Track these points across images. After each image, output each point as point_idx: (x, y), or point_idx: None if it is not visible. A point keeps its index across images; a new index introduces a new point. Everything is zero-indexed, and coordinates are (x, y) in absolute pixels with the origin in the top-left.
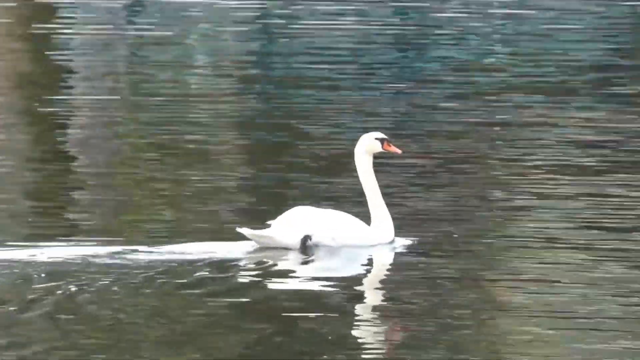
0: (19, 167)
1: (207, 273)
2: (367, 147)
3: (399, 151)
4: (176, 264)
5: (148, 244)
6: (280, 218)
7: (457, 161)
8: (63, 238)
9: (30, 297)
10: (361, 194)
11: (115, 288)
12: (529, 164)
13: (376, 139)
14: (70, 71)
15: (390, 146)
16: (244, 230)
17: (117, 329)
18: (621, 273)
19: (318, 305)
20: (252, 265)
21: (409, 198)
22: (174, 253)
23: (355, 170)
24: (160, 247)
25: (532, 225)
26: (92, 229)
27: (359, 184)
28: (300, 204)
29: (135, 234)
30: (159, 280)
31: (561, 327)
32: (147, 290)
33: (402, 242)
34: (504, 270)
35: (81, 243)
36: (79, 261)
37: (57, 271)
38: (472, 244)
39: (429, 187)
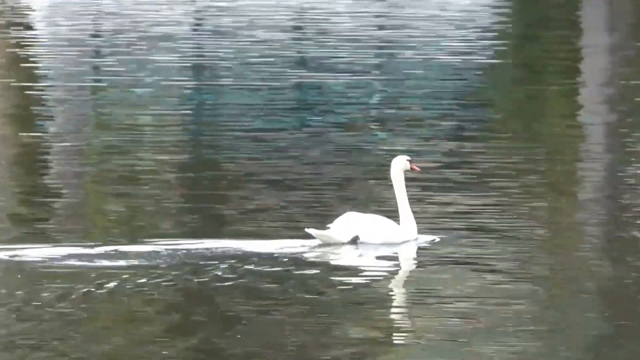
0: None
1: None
2: (402, 167)
3: (419, 169)
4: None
5: (227, 238)
6: (336, 221)
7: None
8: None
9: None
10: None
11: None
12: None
13: (407, 160)
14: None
15: (414, 166)
16: (311, 230)
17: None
18: None
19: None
20: (317, 255)
21: (427, 202)
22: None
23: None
24: (236, 241)
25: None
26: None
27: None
28: (350, 210)
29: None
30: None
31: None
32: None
33: (424, 238)
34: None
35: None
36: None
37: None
38: (479, 236)
39: (442, 194)
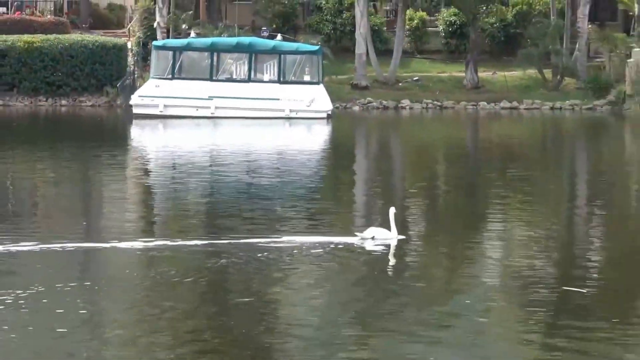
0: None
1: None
2: (394, 211)
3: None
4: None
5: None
6: (367, 230)
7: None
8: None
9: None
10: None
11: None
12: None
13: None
14: None
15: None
16: (357, 233)
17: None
18: None
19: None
20: (358, 244)
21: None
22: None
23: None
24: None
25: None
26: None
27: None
28: (371, 225)
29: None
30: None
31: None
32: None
33: (402, 238)
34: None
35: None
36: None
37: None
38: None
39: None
